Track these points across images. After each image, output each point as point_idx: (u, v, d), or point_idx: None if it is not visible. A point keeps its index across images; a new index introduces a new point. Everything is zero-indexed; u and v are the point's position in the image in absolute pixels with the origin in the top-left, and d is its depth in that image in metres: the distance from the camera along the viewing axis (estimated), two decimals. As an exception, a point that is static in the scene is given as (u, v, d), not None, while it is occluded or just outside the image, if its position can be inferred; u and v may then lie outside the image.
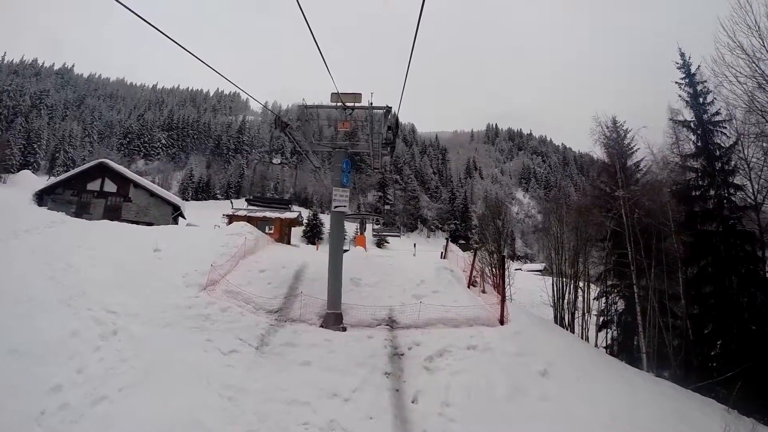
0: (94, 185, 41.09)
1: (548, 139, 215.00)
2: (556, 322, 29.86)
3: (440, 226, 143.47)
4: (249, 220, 27.61)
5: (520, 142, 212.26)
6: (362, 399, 11.64)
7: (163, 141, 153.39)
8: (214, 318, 14.88)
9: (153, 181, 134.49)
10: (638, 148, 30.36)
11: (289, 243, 28.83)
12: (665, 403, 14.16)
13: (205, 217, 56.49)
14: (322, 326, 15.45)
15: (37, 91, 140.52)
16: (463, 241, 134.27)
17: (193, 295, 16.19)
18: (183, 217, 45.26)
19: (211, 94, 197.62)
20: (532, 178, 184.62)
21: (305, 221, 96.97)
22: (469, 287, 21.00)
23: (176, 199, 45.58)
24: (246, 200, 37.02)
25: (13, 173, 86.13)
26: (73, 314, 14.09)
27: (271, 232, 28.23)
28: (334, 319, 15.63)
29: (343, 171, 16.39)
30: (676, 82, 26.01)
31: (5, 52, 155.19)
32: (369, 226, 40.67)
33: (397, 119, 15.78)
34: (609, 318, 29.05)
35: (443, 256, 28.91)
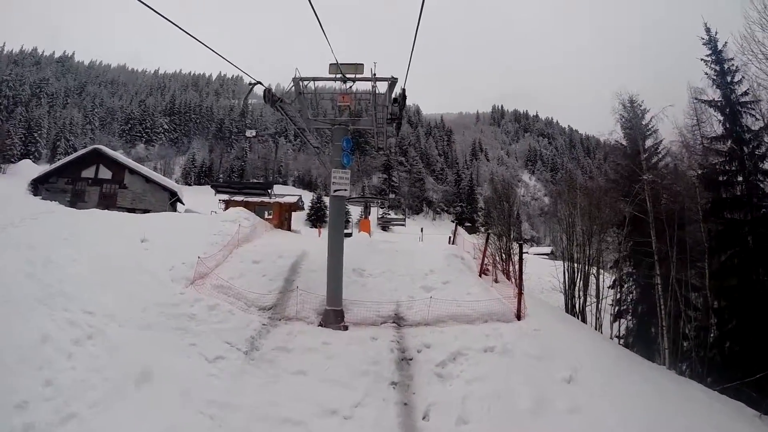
0: (88, 172, 39.98)
1: (555, 120, 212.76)
2: (567, 310, 28.45)
3: (446, 208, 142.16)
4: (246, 205, 26.15)
5: (526, 124, 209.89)
6: (365, 416, 10.14)
7: (165, 126, 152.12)
8: (201, 318, 13.39)
9: (155, 167, 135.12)
10: (656, 129, 28.40)
11: (289, 229, 27.42)
12: (697, 409, 12.66)
13: (206, 202, 54.88)
14: (320, 325, 13.98)
15: (37, 80, 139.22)
16: (469, 224, 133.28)
17: (179, 291, 14.71)
18: (181, 202, 43.87)
19: (213, 78, 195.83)
20: (538, 161, 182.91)
21: (308, 205, 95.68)
22: (480, 276, 19.72)
23: (173, 185, 44.23)
24: (212, 186, 35.20)
25: (13, 163, 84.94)
26: (47, 316, 12.57)
27: (270, 217, 26.81)
28: (334, 317, 14.16)
29: (343, 150, 14.73)
30: (702, 59, 24.11)
31: (4, 42, 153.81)
32: (374, 210, 39.21)
33: (404, 91, 14.00)
34: (624, 308, 27.71)
35: (452, 241, 27.49)
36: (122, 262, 16.08)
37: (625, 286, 27.71)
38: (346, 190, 14.58)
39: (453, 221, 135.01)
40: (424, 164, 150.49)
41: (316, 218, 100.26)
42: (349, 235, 28.49)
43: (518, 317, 14.88)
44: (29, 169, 71.73)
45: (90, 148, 41.94)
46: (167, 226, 20.44)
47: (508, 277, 21.22)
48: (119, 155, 43.37)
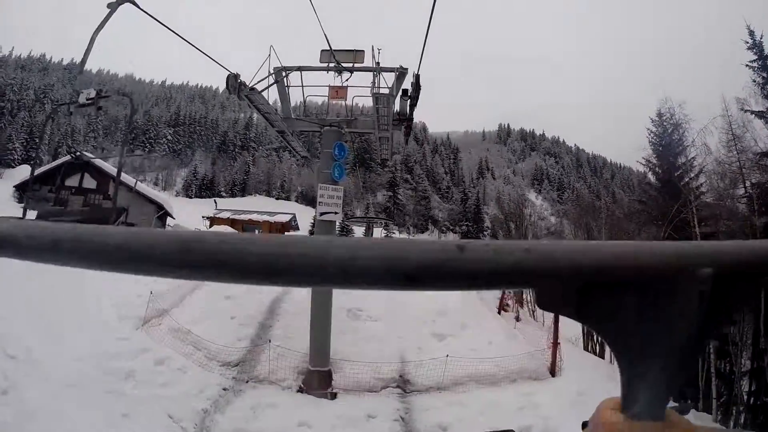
0: (72, 181, 36.94)
1: (561, 139, 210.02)
2: (584, 344, 25.56)
3: (451, 227, 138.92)
4: (233, 223, 23.12)
5: (532, 143, 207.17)
6: None
7: (169, 137, 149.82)
8: (143, 376, 10.23)
9: (156, 178, 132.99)
10: (687, 145, 25.45)
11: None
12: None
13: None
14: (300, 390, 10.77)
15: (42, 86, 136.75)
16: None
17: (124, 335, 11.60)
18: (171, 216, 40.76)
19: (220, 91, 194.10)
20: (545, 179, 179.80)
21: (310, 222, 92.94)
22: (500, 312, 16.75)
23: (161, 198, 40.93)
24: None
25: (13, 167, 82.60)
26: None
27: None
28: (318, 381, 10.92)
29: (334, 160, 11.40)
30: (747, 65, 21.35)
31: (13, 47, 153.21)
32: (377, 231, 35.73)
33: (417, 79, 10.81)
34: None
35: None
36: (69, 293, 12.98)
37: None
38: (337, 212, 11.30)
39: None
40: (430, 182, 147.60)
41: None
42: None
43: (552, 373, 12.05)
44: (26, 175, 69.22)
45: (74, 155, 38.87)
46: None
47: (531, 313, 18.37)
48: (105, 164, 40.24)
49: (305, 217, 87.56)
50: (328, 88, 11.69)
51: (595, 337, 26.03)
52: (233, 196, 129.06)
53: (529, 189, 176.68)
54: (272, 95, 11.68)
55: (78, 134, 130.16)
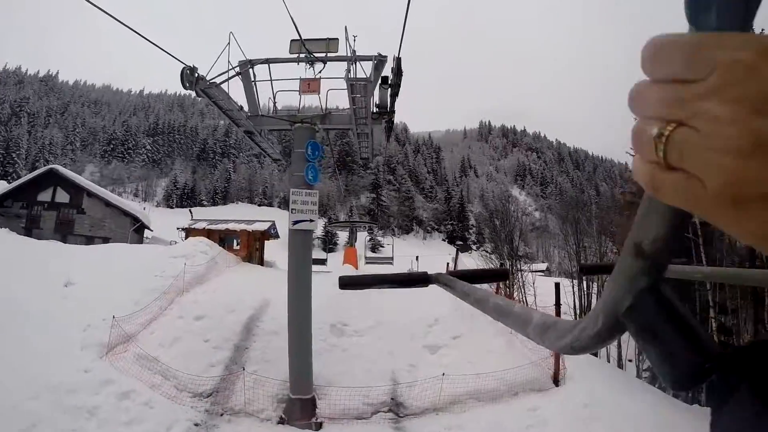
0: (45, 195, 35.53)
1: (542, 135, 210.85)
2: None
3: (436, 227, 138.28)
4: (209, 234, 21.92)
5: (514, 139, 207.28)
6: None
7: (148, 147, 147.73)
8: (105, 413, 9.16)
9: (136, 189, 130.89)
10: None
11: (260, 262, 22.92)
12: None
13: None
14: (281, 422, 9.67)
15: (18, 99, 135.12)
16: (460, 242, 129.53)
17: (85, 366, 10.47)
18: (148, 228, 39.36)
19: (199, 99, 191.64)
20: (527, 175, 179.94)
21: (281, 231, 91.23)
22: None
23: (137, 210, 39.53)
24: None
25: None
26: None
27: (239, 248, 22.55)
28: (301, 410, 9.78)
29: (307, 161, 10.26)
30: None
31: None
32: (361, 235, 34.09)
33: (398, 63, 9.52)
34: None
35: (454, 267, 23.46)
36: (28, 315, 11.92)
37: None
38: (312, 220, 10.21)
39: (444, 239, 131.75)
40: (413, 182, 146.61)
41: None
42: (321, 262, 24.24)
43: (556, 382, 11.15)
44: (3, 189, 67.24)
45: (45, 168, 37.47)
46: (103, 264, 16.15)
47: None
48: (77, 176, 38.77)
49: (287, 224, 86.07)
50: (299, 81, 10.50)
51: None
52: (215, 204, 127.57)
53: (513, 185, 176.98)
54: (240, 93, 10.61)
55: (55, 147, 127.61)
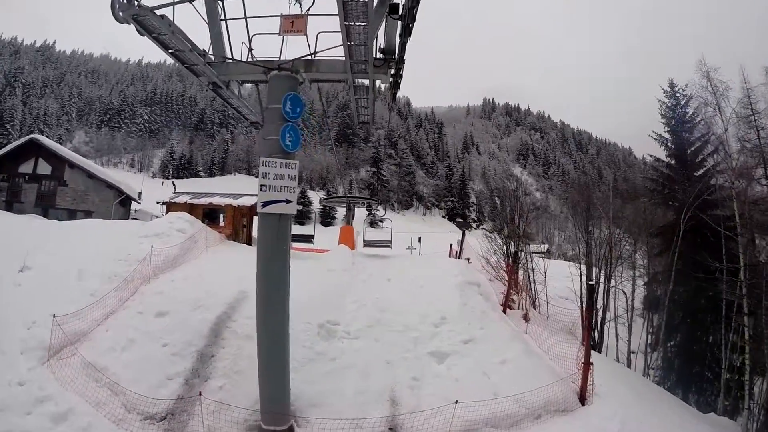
0: (26, 167, 33.71)
1: (546, 115, 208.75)
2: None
3: (437, 203, 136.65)
4: (191, 209, 19.94)
5: (517, 118, 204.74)
6: None
7: (145, 116, 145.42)
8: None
9: (132, 159, 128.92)
10: (701, 120, 23.63)
11: (248, 241, 20.85)
12: None
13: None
14: (250, 461, 7.67)
15: (12, 69, 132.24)
16: (460, 219, 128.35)
17: (20, 376, 8.58)
18: (136, 200, 37.42)
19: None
20: (530, 155, 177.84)
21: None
22: (505, 311, 14.09)
23: (120, 182, 37.20)
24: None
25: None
26: None
27: (223, 225, 20.52)
28: (274, 446, 7.83)
29: (286, 120, 7.79)
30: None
31: None
32: (359, 211, 31.46)
33: None
34: (661, 335, 22.53)
35: (458, 254, 21.58)
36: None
37: (666, 307, 22.15)
38: (290, 201, 7.83)
39: (444, 216, 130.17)
40: (415, 157, 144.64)
41: (299, 214, 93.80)
42: (306, 239, 22.44)
43: (582, 400, 9.49)
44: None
45: (26, 138, 35.42)
46: (67, 245, 14.26)
47: (534, 305, 15.91)
48: (59, 146, 36.78)
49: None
50: (280, 19, 7.88)
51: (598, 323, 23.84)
52: (212, 175, 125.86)
53: (515, 164, 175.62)
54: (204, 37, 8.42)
55: (50, 117, 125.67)
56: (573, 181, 70.72)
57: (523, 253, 23.32)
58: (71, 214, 31.61)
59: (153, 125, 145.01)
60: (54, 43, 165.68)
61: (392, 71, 8.23)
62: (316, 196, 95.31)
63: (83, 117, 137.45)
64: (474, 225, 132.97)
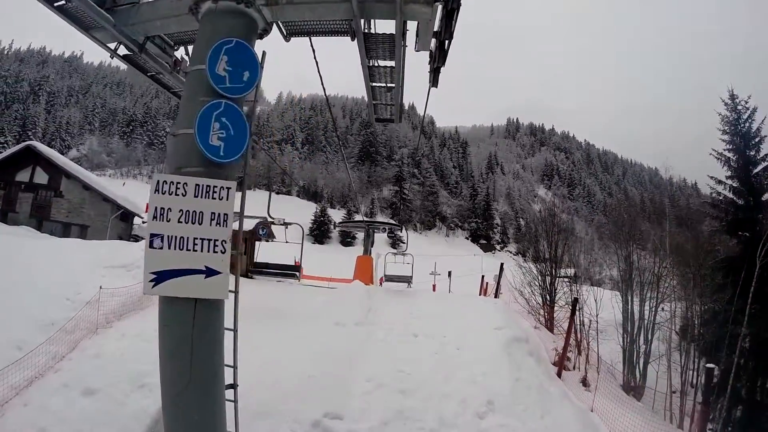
0: (23, 175, 31.63)
1: (571, 134, 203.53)
2: (624, 366, 21.00)
3: (460, 224, 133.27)
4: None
5: (542, 137, 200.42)
6: None
7: (168, 129, 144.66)
8: None
9: (152, 171, 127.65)
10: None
11: (247, 273, 17.51)
12: None
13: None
14: None
15: (38, 78, 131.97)
16: (484, 241, 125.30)
17: None
18: (139, 216, 34.71)
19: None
20: (555, 175, 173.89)
21: (311, 218, 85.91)
22: (560, 374, 10.87)
23: (117, 195, 34.25)
24: None
25: (3, 163, 79.00)
26: None
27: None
28: None
29: (218, 92, 4.25)
30: None
31: (12, 40, 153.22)
32: (380, 237, 27.10)
33: None
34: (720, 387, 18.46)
35: (495, 291, 18.38)
36: None
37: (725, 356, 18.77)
38: (215, 270, 4.30)
39: (467, 237, 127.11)
40: (438, 177, 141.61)
41: (319, 234, 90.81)
42: (288, 271, 18.12)
43: None
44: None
45: (23, 144, 33.29)
46: (23, 274, 11.20)
47: (586, 358, 12.89)
48: (57, 154, 34.39)
49: (305, 214, 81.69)
50: None
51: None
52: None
53: (539, 185, 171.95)
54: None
55: (72, 126, 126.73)
56: (614, 204, 67.46)
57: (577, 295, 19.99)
58: (65, 228, 29.73)
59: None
60: (82, 54, 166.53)
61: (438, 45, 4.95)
62: (337, 216, 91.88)
63: (106, 127, 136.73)
64: (498, 247, 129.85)
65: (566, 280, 26.54)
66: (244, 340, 4.74)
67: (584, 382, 11.40)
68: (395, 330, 11.38)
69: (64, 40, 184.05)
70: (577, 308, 12.99)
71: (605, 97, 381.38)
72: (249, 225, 17.69)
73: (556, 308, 18.12)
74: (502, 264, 20.02)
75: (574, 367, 12.18)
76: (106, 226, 29.87)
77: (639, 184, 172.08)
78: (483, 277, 21.57)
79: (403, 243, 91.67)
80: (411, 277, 18.92)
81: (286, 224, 18.76)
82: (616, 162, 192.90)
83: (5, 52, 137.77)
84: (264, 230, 18.31)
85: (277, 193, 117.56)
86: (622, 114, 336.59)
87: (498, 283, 18.67)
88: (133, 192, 43.41)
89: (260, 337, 8.41)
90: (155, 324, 5.49)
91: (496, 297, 17.56)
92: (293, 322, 5.70)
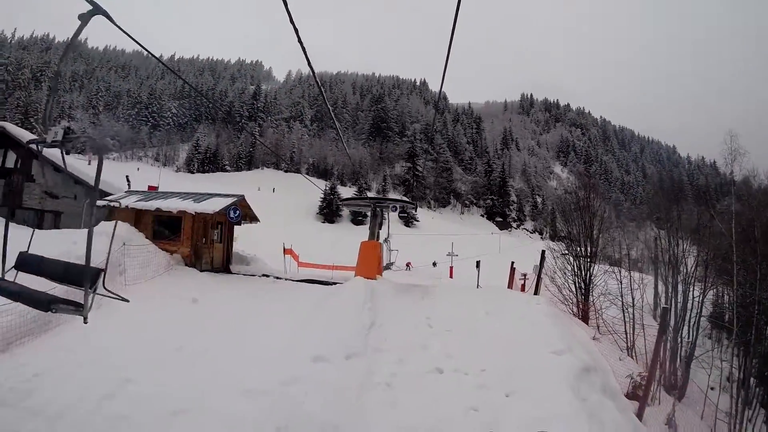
0: (-6, 161, 28.27)
1: (587, 111, 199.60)
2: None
3: (475, 201, 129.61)
4: (138, 217, 13.47)
5: (557, 113, 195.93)
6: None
7: (173, 110, 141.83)
8: None
9: (157, 154, 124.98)
10: None
11: (224, 264, 13.86)
12: None
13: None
14: None
15: (39, 64, 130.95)
16: (500, 219, 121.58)
17: None
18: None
19: (232, 63, 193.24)
20: (571, 152, 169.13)
21: (320, 197, 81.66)
22: (640, 417, 7.10)
23: (90, 176, 30.55)
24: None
25: (7, 150, 76.87)
26: None
27: (179, 242, 13.67)
28: None
29: None
30: None
31: (15, 28, 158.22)
32: (392, 216, 21.13)
33: None
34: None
35: (536, 285, 14.84)
36: None
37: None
38: None
39: (483, 215, 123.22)
40: (452, 153, 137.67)
41: (329, 212, 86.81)
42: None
43: None
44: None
45: (-1, 127, 29.77)
46: None
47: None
48: (26, 134, 30.78)
49: (314, 195, 77.48)
50: None
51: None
52: (238, 170, 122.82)
53: (555, 162, 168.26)
54: None
55: (75, 110, 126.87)
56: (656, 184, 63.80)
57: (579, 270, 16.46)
58: (39, 216, 26.30)
59: (181, 119, 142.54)
60: (86, 39, 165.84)
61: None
62: (347, 193, 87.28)
63: (111, 111, 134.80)
64: (514, 225, 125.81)
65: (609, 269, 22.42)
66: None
67: (668, 422, 7.84)
68: (408, 361, 7.48)
69: (65, 28, 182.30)
70: (664, 319, 9.15)
71: (622, 73, 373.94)
72: (220, 204, 14.03)
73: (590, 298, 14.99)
74: (543, 251, 15.93)
75: (651, 399, 8.54)
76: (80, 212, 26.43)
77: (657, 162, 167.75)
78: (513, 263, 17.81)
79: (417, 221, 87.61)
80: (392, 263, 18.92)
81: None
82: (633, 139, 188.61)
83: (9, 41, 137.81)
84: (237, 212, 14.56)
85: (286, 171, 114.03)
86: (638, 91, 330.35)
87: (538, 276, 15.00)
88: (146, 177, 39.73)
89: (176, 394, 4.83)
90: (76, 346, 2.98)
91: (536, 293, 13.87)
92: (242, 363, 2.67)
